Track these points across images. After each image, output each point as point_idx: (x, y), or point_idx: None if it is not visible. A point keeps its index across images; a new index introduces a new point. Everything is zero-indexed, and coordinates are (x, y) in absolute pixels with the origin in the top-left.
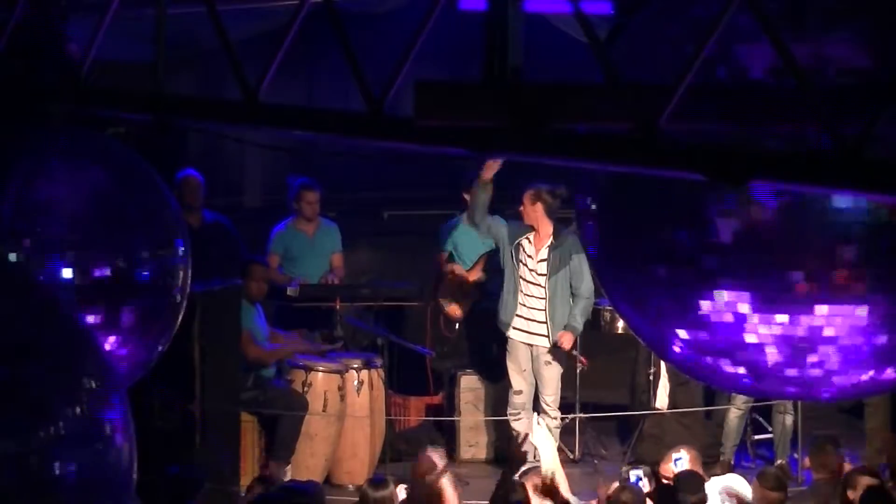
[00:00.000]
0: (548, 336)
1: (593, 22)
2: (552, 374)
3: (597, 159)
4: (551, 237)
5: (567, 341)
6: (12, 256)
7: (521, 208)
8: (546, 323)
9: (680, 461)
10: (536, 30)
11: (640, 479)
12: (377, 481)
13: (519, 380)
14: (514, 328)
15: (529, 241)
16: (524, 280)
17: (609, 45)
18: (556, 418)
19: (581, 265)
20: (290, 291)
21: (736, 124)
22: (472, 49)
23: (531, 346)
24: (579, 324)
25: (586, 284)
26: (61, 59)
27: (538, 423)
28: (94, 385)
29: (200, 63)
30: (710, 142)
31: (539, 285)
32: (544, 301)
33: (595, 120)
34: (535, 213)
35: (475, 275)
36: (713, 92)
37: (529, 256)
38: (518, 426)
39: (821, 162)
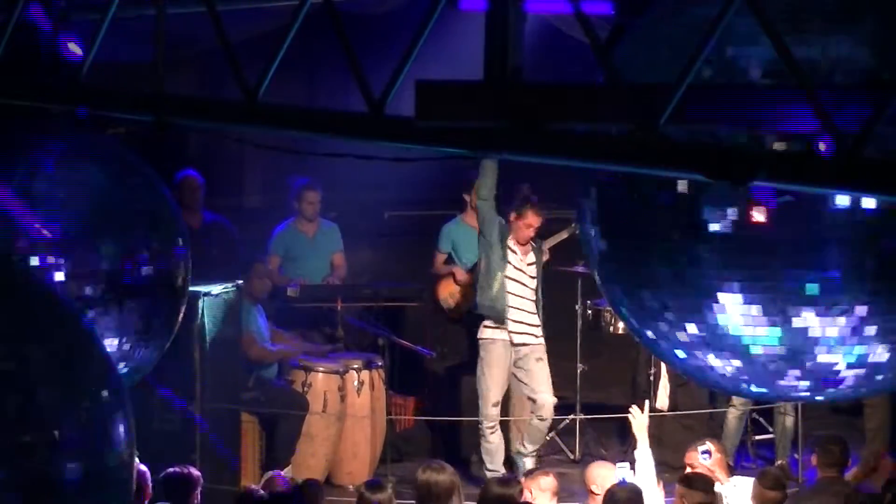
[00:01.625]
0: (541, 335)
1: (594, 22)
2: (543, 368)
3: (597, 159)
4: (531, 241)
5: None
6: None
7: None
8: (539, 326)
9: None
10: (537, 30)
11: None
12: (374, 484)
13: (497, 391)
14: (496, 328)
15: (514, 251)
16: (516, 282)
17: (609, 45)
18: (547, 419)
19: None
20: (290, 292)
21: (736, 124)
22: (473, 49)
23: (517, 346)
24: None
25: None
26: (61, 60)
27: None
28: (94, 385)
29: (200, 63)
30: (710, 142)
31: (531, 287)
32: (535, 303)
33: (595, 120)
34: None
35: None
36: (713, 92)
37: (514, 252)
38: (494, 439)
39: (821, 162)
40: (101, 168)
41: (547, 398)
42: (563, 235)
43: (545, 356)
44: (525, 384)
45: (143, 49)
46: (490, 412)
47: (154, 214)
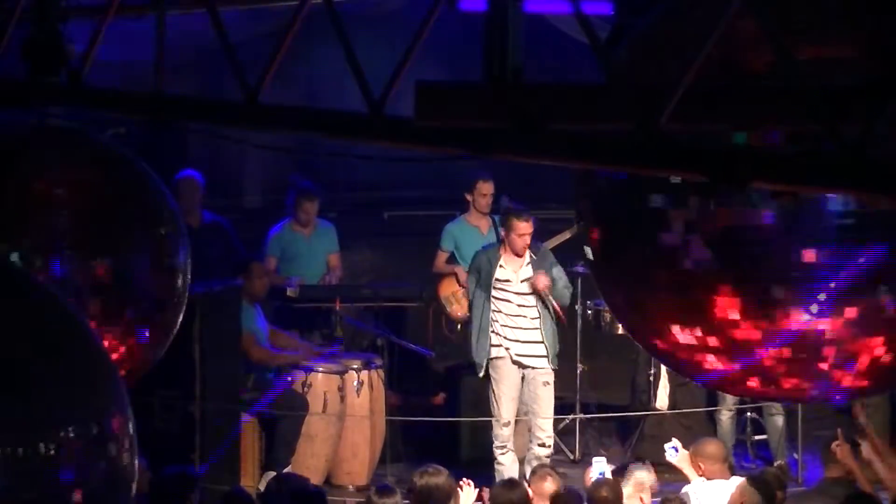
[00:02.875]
0: (547, 357)
1: (593, 22)
2: (549, 394)
3: (597, 160)
4: (528, 254)
5: (542, 281)
6: (13, 256)
7: (503, 234)
8: (543, 343)
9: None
10: (536, 30)
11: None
12: (384, 489)
13: (509, 409)
14: (507, 350)
15: (503, 266)
16: (508, 302)
17: (609, 45)
18: (550, 447)
19: (558, 276)
20: (289, 292)
21: (736, 125)
22: (473, 49)
23: (524, 368)
24: (566, 296)
25: (563, 285)
26: (61, 59)
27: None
28: (94, 385)
29: (200, 63)
30: (711, 142)
31: (529, 306)
32: (538, 320)
33: (595, 120)
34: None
35: None
36: (713, 92)
37: (508, 281)
38: (505, 460)
39: (821, 162)
40: (102, 168)
41: (543, 424)
42: (566, 236)
43: (552, 380)
44: (528, 406)
45: (143, 49)
46: (501, 432)
47: (154, 214)
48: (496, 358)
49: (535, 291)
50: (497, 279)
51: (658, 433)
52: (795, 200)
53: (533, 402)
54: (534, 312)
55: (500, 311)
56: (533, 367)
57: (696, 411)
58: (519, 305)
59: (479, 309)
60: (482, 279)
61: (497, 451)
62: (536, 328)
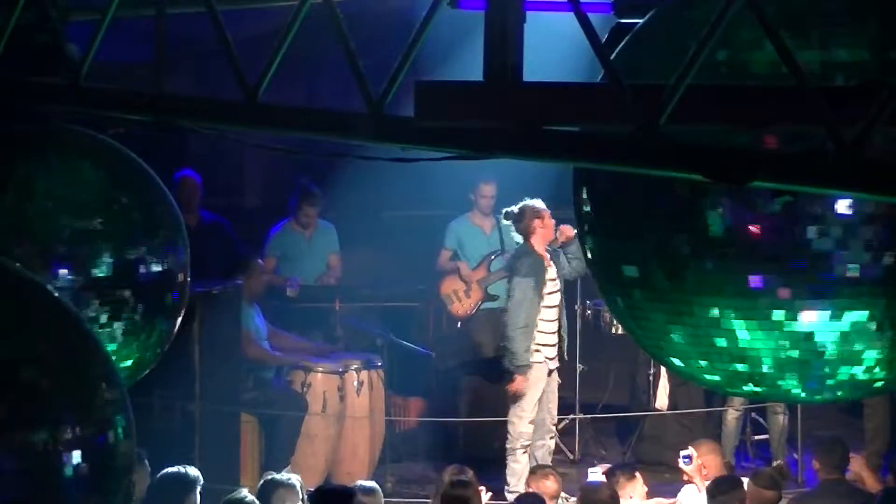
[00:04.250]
0: (561, 349)
1: (593, 22)
2: (556, 392)
3: (597, 159)
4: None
5: (569, 230)
6: (14, 254)
7: (533, 231)
8: (558, 331)
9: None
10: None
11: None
12: (366, 489)
13: (534, 410)
14: (547, 357)
15: (550, 266)
16: (550, 306)
17: (609, 45)
18: (553, 437)
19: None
20: (289, 292)
21: (736, 125)
22: (473, 49)
23: (551, 370)
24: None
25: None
26: (61, 59)
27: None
28: (95, 385)
29: (200, 63)
30: (710, 142)
31: (554, 305)
32: (556, 322)
33: (595, 120)
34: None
35: (479, 274)
36: (713, 92)
37: (552, 280)
38: (523, 459)
39: (821, 162)
40: (102, 168)
41: (554, 420)
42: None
43: (558, 374)
44: (543, 404)
45: (142, 49)
46: (526, 430)
47: (154, 214)
48: (534, 362)
49: (561, 246)
50: (549, 279)
51: (658, 433)
52: (795, 199)
53: (547, 399)
54: (556, 313)
55: (544, 317)
56: (555, 368)
57: (696, 411)
58: (551, 306)
59: (527, 307)
60: (537, 277)
61: (518, 451)
62: (555, 331)
